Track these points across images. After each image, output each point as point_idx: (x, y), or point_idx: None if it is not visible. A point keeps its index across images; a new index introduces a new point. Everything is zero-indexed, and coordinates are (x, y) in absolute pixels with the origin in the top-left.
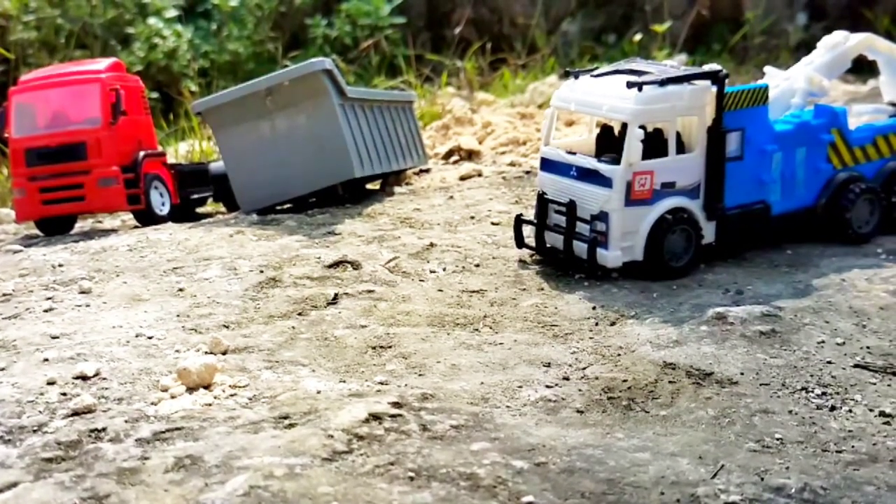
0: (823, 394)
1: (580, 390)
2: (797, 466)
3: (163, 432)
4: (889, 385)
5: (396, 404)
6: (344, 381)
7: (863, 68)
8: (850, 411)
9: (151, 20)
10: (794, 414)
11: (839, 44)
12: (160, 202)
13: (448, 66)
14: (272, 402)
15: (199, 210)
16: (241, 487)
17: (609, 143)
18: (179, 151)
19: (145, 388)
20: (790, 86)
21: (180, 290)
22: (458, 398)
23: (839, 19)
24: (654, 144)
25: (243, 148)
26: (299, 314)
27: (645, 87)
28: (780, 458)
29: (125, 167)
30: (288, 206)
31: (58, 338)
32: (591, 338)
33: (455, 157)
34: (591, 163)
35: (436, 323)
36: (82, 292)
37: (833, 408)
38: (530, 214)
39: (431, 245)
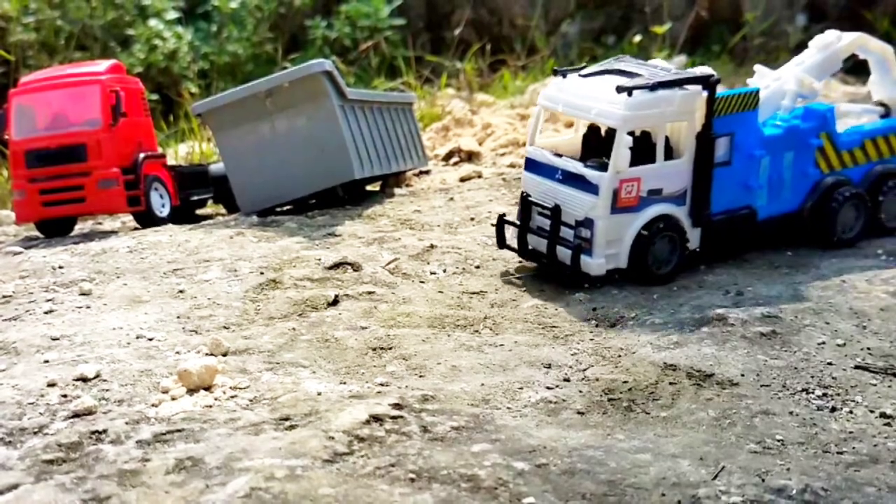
0: (824, 395)
1: (581, 392)
2: (798, 468)
3: (163, 434)
4: (890, 386)
5: (397, 406)
6: (344, 383)
7: (863, 69)
8: (851, 412)
9: (151, 22)
10: (794, 415)
11: (831, 44)
12: (160, 204)
13: (448, 68)
14: (273, 403)
15: (199, 212)
16: (242, 489)
17: (596, 143)
18: (179, 153)
19: (146, 389)
20: (780, 87)
21: (181, 291)
22: (459, 399)
23: (839, 20)
24: (642, 149)
25: (243, 149)
26: (300, 315)
27: (635, 92)
28: (781, 459)
29: (125, 169)
30: (288, 207)
31: (58, 339)
32: (591, 339)
33: (455, 159)
34: (578, 167)
35: (436, 324)
36: (83, 294)
37: (834, 409)
38: (514, 214)
39: (432, 247)
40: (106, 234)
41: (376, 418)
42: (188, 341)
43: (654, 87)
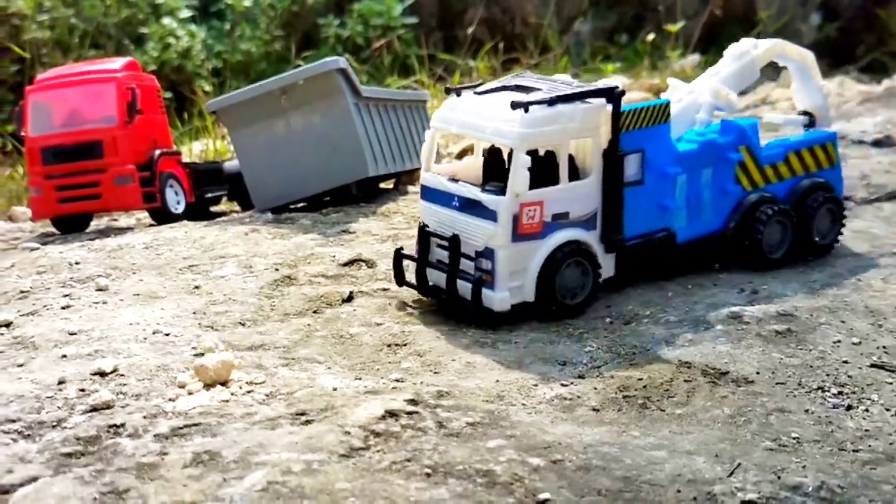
0: (840, 393)
1: (595, 388)
2: (814, 465)
3: (181, 428)
4: None
5: (412, 401)
6: (360, 379)
7: (877, 67)
8: (867, 411)
9: (165, 20)
10: (810, 413)
11: (747, 52)
12: (175, 200)
13: (460, 66)
14: (289, 398)
15: (213, 209)
16: (260, 483)
17: (498, 166)
18: (193, 150)
19: (163, 384)
20: (694, 100)
21: (196, 287)
22: (474, 396)
23: (853, 19)
24: (548, 170)
25: (258, 147)
26: (314, 312)
27: (532, 108)
28: (797, 456)
29: (141, 166)
30: (302, 204)
31: (76, 334)
32: (605, 337)
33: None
34: (474, 192)
35: (451, 321)
36: (99, 289)
37: (849, 407)
38: (412, 248)
39: None
40: (121, 231)
41: (392, 413)
42: (204, 336)
43: (552, 102)
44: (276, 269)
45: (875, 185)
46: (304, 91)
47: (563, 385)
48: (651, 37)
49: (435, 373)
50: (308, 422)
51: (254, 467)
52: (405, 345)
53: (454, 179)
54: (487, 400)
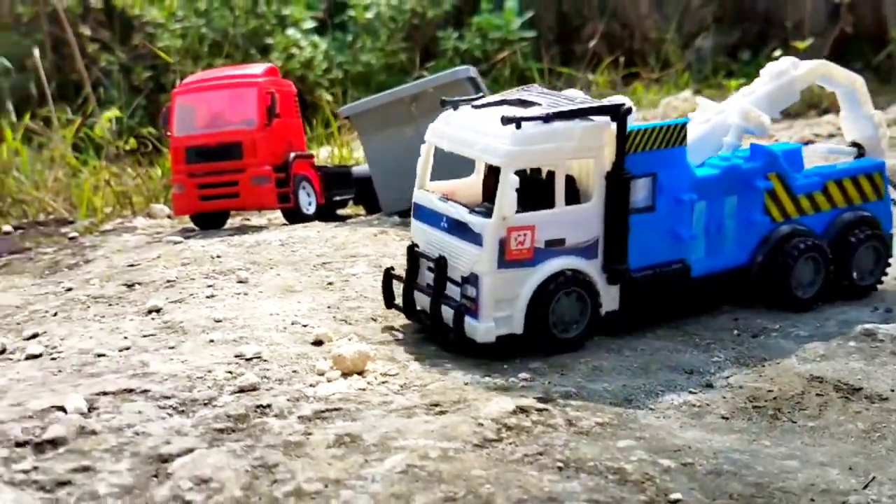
0: None
1: (724, 398)
2: None
3: (322, 412)
4: None
5: (542, 399)
6: (489, 376)
7: None
8: None
9: (290, 31)
10: None
11: (785, 71)
12: (307, 202)
13: (580, 80)
14: (422, 390)
15: (340, 211)
16: (399, 465)
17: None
18: (321, 156)
19: (303, 371)
20: (722, 121)
21: (329, 283)
22: (602, 398)
23: None
24: (548, 192)
25: (387, 152)
26: None
27: (525, 124)
28: None
29: (277, 167)
30: None
31: (220, 321)
32: (733, 348)
33: None
34: (462, 213)
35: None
36: (240, 282)
37: None
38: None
39: None
40: (257, 229)
41: (522, 409)
42: (339, 329)
43: (549, 119)
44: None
45: None
46: (434, 99)
47: (690, 392)
48: (777, 53)
49: (562, 374)
50: (442, 412)
51: (393, 451)
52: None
53: (447, 198)
54: (615, 402)
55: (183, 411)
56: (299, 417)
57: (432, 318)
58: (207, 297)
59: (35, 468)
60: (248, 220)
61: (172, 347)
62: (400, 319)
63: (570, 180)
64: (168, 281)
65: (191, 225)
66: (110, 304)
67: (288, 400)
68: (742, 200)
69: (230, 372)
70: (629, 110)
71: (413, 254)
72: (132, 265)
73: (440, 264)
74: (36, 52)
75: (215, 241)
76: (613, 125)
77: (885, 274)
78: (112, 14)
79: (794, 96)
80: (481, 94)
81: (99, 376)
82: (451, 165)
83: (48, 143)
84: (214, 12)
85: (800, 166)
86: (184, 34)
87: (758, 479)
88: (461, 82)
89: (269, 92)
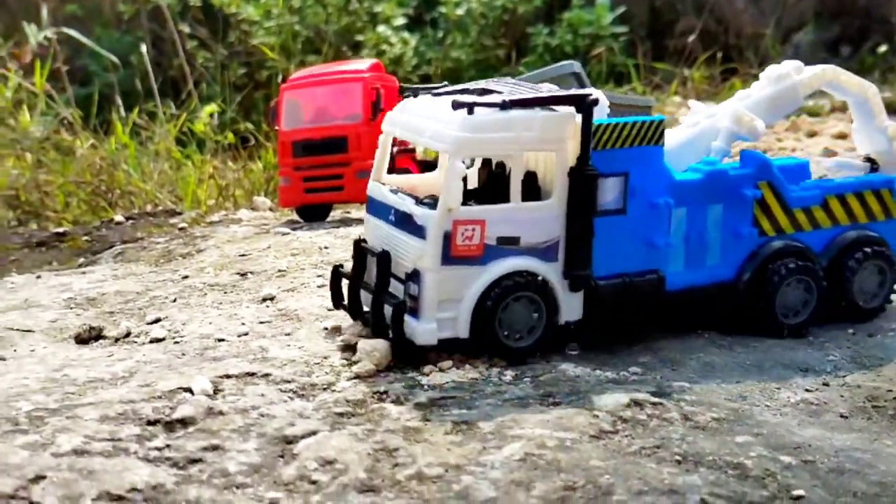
0: None
1: (842, 396)
2: None
3: (438, 399)
4: None
5: (656, 393)
6: (599, 369)
7: None
8: None
9: (381, 28)
10: None
11: (787, 75)
12: None
13: (677, 75)
14: (535, 381)
15: None
16: (517, 453)
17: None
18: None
19: (415, 359)
20: (712, 125)
21: None
22: (716, 393)
23: None
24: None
25: None
26: None
27: (478, 110)
28: None
29: None
30: None
31: (332, 310)
32: (849, 347)
33: None
34: (408, 205)
35: (686, 320)
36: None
37: None
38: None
39: None
40: (359, 221)
41: (637, 403)
42: None
43: (506, 106)
44: None
45: None
46: (573, 84)
47: (807, 391)
48: (882, 49)
49: (673, 369)
50: (556, 403)
51: (510, 439)
52: (641, 341)
53: (400, 191)
54: (730, 399)
55: (303, 395)
56: (416, 404)
57: (373, 318)
58: (318, 286)
59: (167, 446)
60: (349, 212)
61: (288, 334)
62: None
63: (531, 176)
64: (279, 270)
65: (294, 216)
66: (226, 292)
67: (404, 387)
68: (728, 210)
69: (346, 359)
70: (595, 101)
71: (359, 249)
72: (243, 255)
73: (382, 260)
74: (143, 47)
75: (321, 232)
76: (578, 117)
77: (891, 297)
78: (209, 12)
79: (796, 102)
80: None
81: (221, 360)
82: None
83: (153, 138)
84: (308, 10)
85: (801, 176)
86: (278, 31)
87: (881, 478)
88: (566, 77)
89: (374, 87)
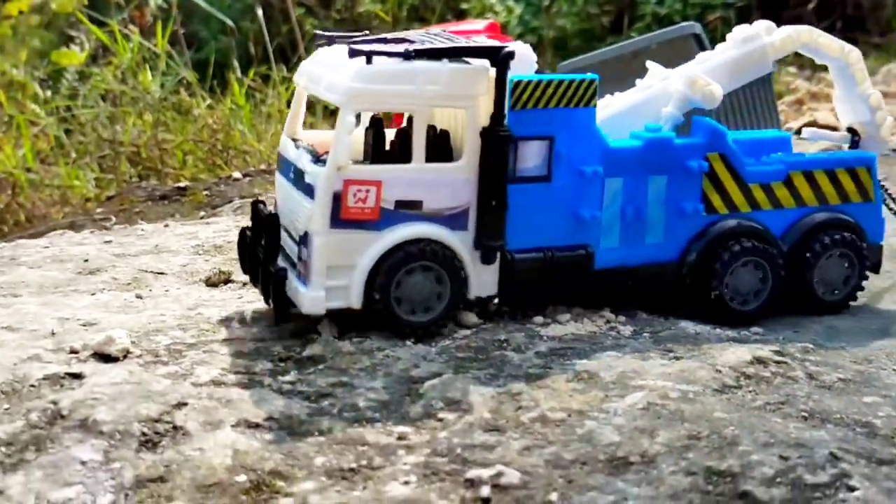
0: None
1: None
2: None
3: (558, 349)
4: None
5: (778, 352)
6: (720, 328)
7: None
8: None
9: None
10: None
11: (755, 37)
12: None
13: None
14: (654, 336)
15: None
16: (640, 402)
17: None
18: None
19: (533, 312)
20: (664, 89)
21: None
22: (840, 355)
23: None
24: (434, 145)
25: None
26: None
27: (378, 59)
28: None
29: None
30: None
31: None
32: None
33: None
34: (303, 161)
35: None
36: None
37: None
38: None
39: None
40: None
41: (760, 360)
42: None
43: (410, 55)
44: None
45: None
46: (656, 56)
47: None
48: None
49: (795, 332)
50: (677, 358)
51: (631, 389)
52: None
53: (300, 146)
54: (855, 361)
55: (426, 341)
56: (536, 353)
57: (262, 284)
58: None
59: (299, 380)
60: None
61: None
62: None
63: (444, 135)
64: None
65: None
66: None
67: (524, 337)
68: (673, 183)
69: (464, 309)
70: (511, 54)
71: (256, 211)
72: None
73: (268, 222)
74: (259, 11)
75: None
76: (492, 71)
77: (859, 290)
78: None
79: (765, 66)
80: (705, 51)
81: None
82: None
83: (266, 100)
84: None
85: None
86: None
87: None
88: (686, 38)
89: None
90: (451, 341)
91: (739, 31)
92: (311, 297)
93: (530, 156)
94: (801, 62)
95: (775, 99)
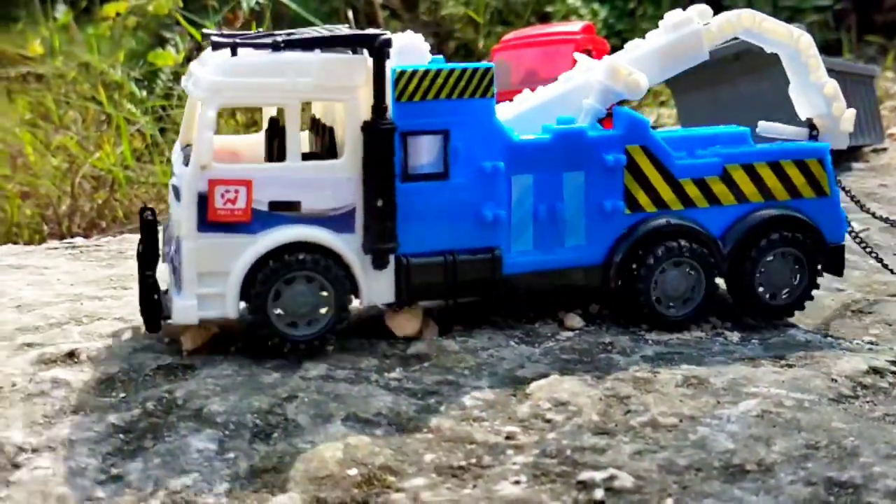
0: None
1: None
2: None
3: (664, 354)
4: None
5: (895, 363)
6: (830, 336)
7: None
8: None
9: None
10: None
11: (688, 22)
12: None
13: (890, 49)
14: (764, 343)
15: None
16: (754, 409)
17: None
18: None
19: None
20: (587, 81)
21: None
22: None
23: None
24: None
25: (702, 113)
26: None
27: (243, 52)
28: None
29: None
30: None
31: None
32: None
33: None
34: (177, 164)
35: None
36: None
37: None
38: None
39: None
40: None
41: (876, 370)
42: None
43: (278, 46)
44: None
45: None
46: (759, 57)
47: None
48: None
49: None
50: (789, 366)
51: (744, 396)
52: (870, 313)
53: (189, 147)
54: None
55: (529, 341)
56: (642, 357)
57: (140, 292)
58: None
59: (405, 377)
60: None
61: None
62: None
63: (329, 132)
64: None
65: None
66: None
67: (630, 340)
68: (591, 180)
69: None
70: (388, 41)
71: (141, 218)
72: None
73: (145, 228)
74: (350, 14)
75: None
76: (370, 60)
77: (808, 297)
78: None
79: (700, 54)
80: None
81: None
82: None
83: None
84: None
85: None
86: (467, 2)
87: None
88: None
89: (586, 49)
90: (555, 343)
91: (670, 17)
92: (181, 306)
93: (423, 151)
94: None
95: (878, 103)
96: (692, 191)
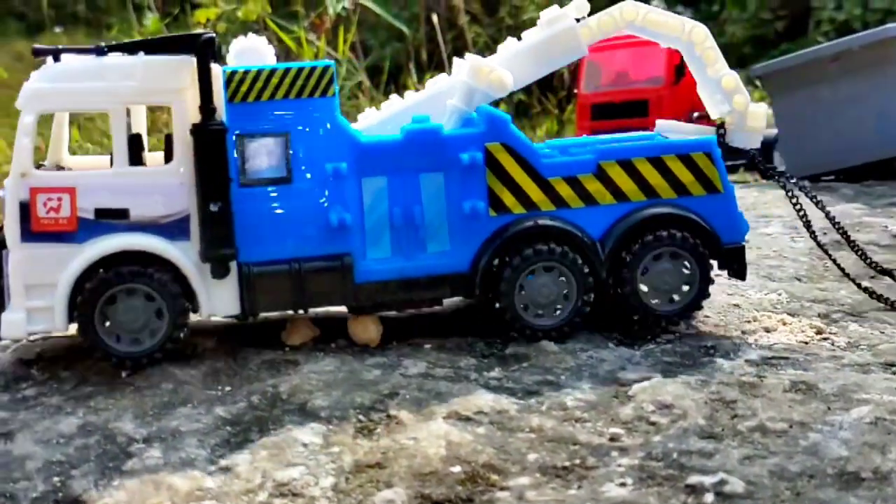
0: None
1: None
2: None
3: (770, 358)
4: None
5: None
6: None
7: None
8: None
9: (654, 2)
10: None
11: (560, 17)
12: None
13: None
14: (872, 349)
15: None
16: (867, 416)
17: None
18: None
19: (736, 319)
20: (453, 82)
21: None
22: None
23: None
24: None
25: (800, 114)
26: (872, 277)
27: (66, 57)
28: None
29: None
30: (830, 177)
31: None
32: None
33: None
34: None
35: None
36: None
37: None
38: None
39: None
40: None
41: None
42: (765, 285)
43: (102, 51)
44: (824, 234)
45: None
46: (858, 58)
47: None
48: None
49: None
50: None
51: (856, 402)
52: None
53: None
54: None
55: (628, 343)
56: (747, 361)
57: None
58: None
59: (504, 377)
60: None
61: None
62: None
63: (167, 138)
64: None
65: None
66: None
67: (733, 344)
68: (451, 181)
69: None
70: (210, 41)
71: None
72: None
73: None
74: (435, 18)
75: None
76: (194, 61)
77: (700, 301)
78: None
79: (578, 50)
80: None
81: None
82: None
83: None
84: None
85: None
86: (547, 6)
87: None
88: (892, 41)
89: (677, 50)
90: (656, 345)
91: (545, 14)
92: (8, 321)
93: (262, 155)
94: None
95: None
96: (564, 190)
